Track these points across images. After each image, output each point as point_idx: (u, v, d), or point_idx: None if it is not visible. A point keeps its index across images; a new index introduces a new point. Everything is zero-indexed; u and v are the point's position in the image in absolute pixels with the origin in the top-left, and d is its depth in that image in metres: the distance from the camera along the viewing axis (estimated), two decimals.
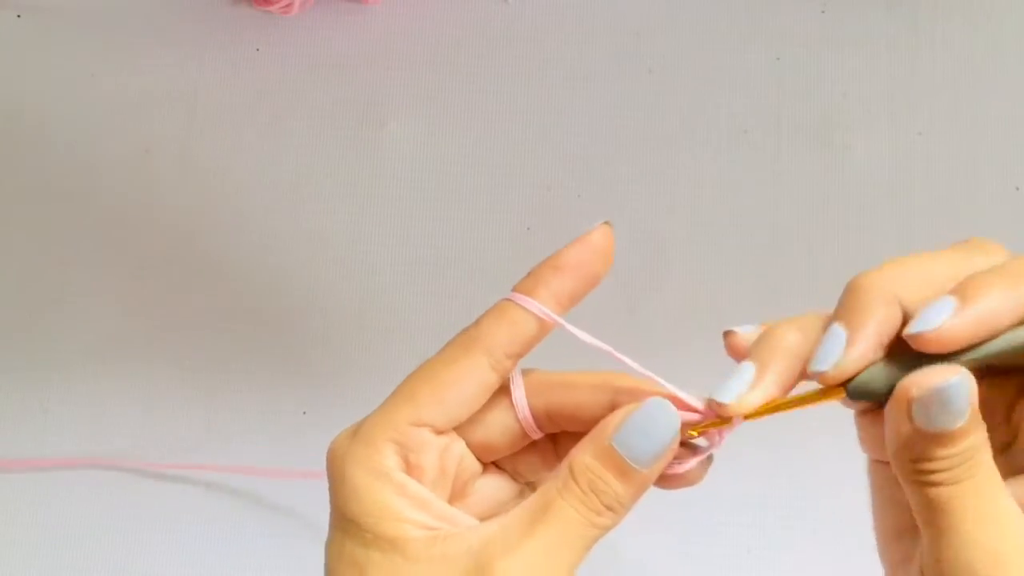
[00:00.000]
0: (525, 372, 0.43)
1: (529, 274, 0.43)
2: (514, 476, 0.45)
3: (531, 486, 0.45)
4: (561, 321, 0.42)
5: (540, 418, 0.44)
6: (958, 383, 0.37)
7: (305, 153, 0.72)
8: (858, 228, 0.72)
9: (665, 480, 0.42)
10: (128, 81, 0.72)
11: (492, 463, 0.45)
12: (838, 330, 0.40)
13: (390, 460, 0.41)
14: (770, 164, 0.72)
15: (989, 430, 0.39)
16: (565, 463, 0.41)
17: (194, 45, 0.73)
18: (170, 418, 0.69)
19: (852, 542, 0.46)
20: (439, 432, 0.42)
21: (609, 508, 0.40)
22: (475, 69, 0.73)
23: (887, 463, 0.42)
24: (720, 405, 0.40)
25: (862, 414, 0.43)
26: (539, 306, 0.42)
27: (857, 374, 0.39)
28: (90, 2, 0.73)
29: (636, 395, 0.42)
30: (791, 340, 0.41)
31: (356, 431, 0.42)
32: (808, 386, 0.41)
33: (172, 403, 0.70)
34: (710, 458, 0.43)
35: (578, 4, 0.73)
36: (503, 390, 0.43)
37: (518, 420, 0.44)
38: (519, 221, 0.71)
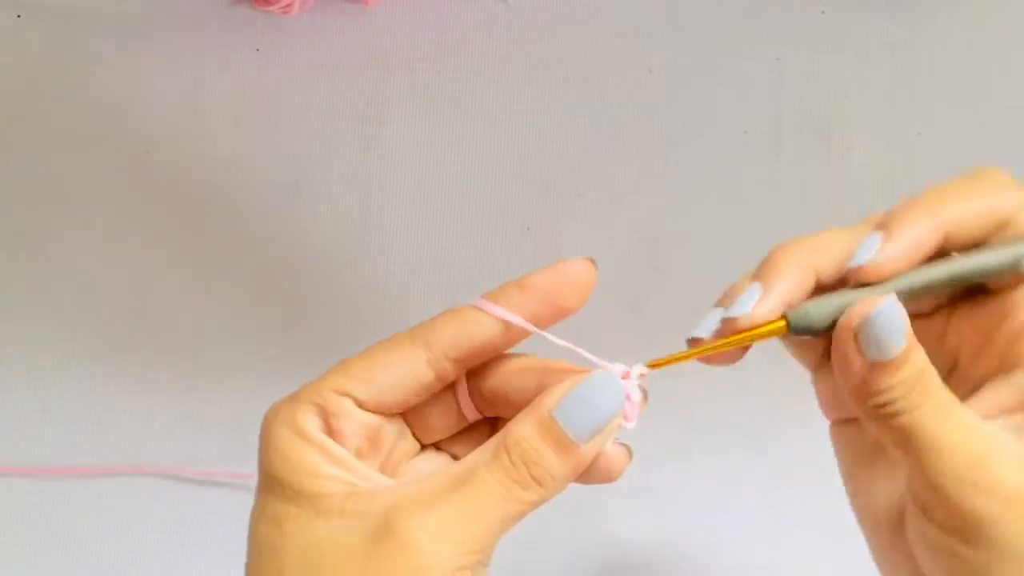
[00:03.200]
0: None
1: (497, 288, 0.43)
2: (453, 457, 0.45)
3: None
4: (514, 318, 0.41)
5: (477, 399, 0.43)
6: (889, 306, 0.39)
7: (305, 152, 0.72)
8: None
9: (585, 473, 0.41)
10: (128, 81, 0.72)
11: (432, 444, 0.45)
12: (754, 286, 0.43)
13: (311, 420, 0.41)
14: (770, 164, 0.72)
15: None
16: (500, 434, 0.40)
17: (194, 45, 0.73)
18: (168, 419, 0.70)
19: (855, 542, 0.46)
20: (364, 407, 0.42)
21: (538, 481, 0.39)
22: (475, 69, 0.73)
23: (847, 421, 0.45)
24: (734, 320, 0.42)
25: (817, 375, 0.45)
26: (494, 307, 0.42)
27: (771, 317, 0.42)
28: (90, 2, 0.73)
29: (568, 375, 0.41)
30: (800, 259, 0.43)
31: (288, 397, 0.42)
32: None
33: (171, 403, 0.70)
34: (629, 451, 0.42)
35: (578, 4, 0.73)
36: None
37: (457, 402, 0.43)
38: (519, 221, 0.71)
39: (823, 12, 0.73)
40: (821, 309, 0.41)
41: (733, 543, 0.66)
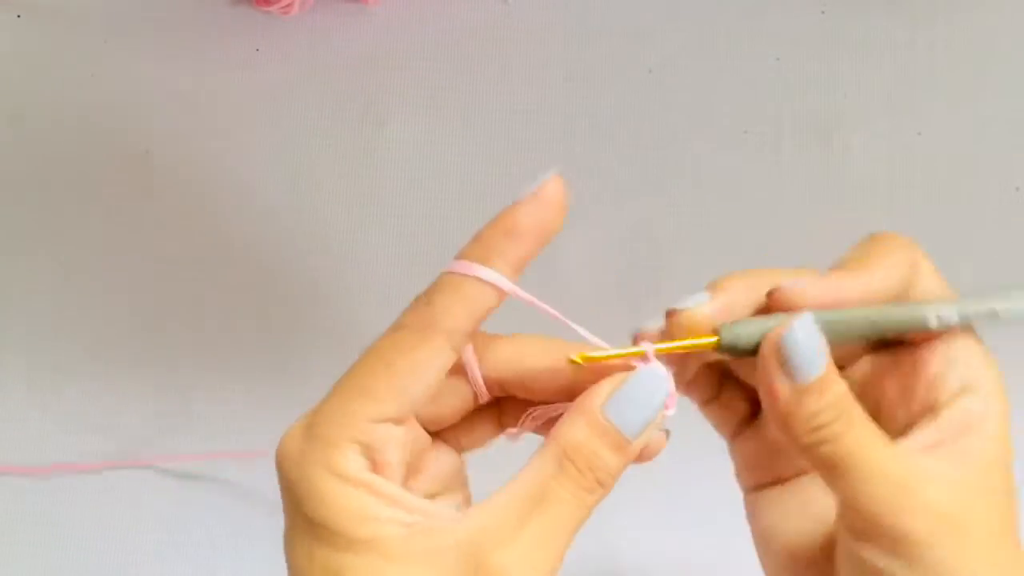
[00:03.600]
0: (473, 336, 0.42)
1: (477, 239, 0.41)
2: (456, 447, 0.44)
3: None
4: (519, 291, 0.41)
5: (489, 382, 0.43)
6: (803, 325, 0.40)
7: (305, 153, 0.72)
8: (858, 228, 0.71)
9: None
10: (128, 81, 0.72)
11: (436, 435, 0.44)
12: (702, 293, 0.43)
13: (355, 462, 0.38)
14: (770, 164, 0.72)
15: None
16: (552, 441, 0.39)
17: (194, 45, 0.73)
18: (168, 419, 0.70)
19: None
20: (400, 423, 0.40)
21: (601, 484, 0.40)
22: (475, 69, 0.73)
23: (764, 485, 0.45)
24: (675, 311, 0.42)
25: (735, 438, 0.46)
26: (496, 275, 0.40)
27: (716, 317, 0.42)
28: (90, 2, 0.73)
29: (595, 366, 0.41)
30: (749, 279, 0.44)
31: (309, 428, 0.39)
32: None
33: (170, 404, 0.70)
34: (667, 432, 0.42)
35: (578, 4, 0.73)
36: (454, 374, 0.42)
37: (470, 387, 0.43)
38: None
39: (823, 12, 0.73)
40: (749, 328, 0.42)
41: (734, 546, 0.66)
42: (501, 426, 0.45)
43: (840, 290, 0.42)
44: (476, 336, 0.42)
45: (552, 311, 0.42)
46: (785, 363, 0.40)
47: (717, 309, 0.42)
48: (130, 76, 0.72)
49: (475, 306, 0.40)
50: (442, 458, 0.44)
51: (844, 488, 0.41)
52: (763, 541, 0.46)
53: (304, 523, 0.38)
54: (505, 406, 0.44)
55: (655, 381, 0.41)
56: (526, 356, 0.43)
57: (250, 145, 0.72)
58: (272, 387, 0.70)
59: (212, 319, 0.70)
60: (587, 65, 0.73)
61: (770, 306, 0.43)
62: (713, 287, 0.43)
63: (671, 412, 0.42)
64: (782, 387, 0.40)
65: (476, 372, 0.42)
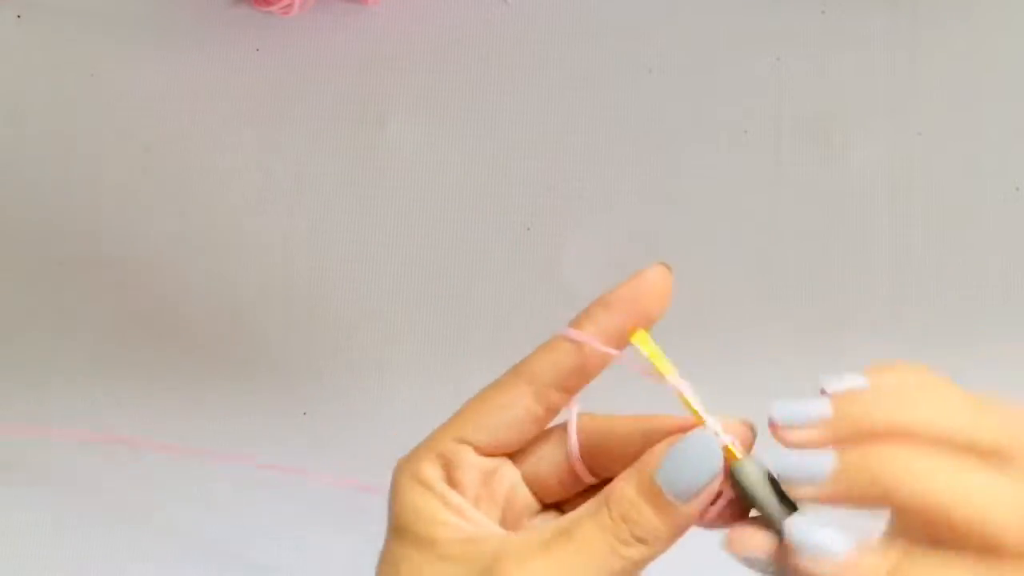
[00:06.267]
0: (583, 414, 0.44)
1: (581, 311, 0.44)
2: None
3: None
4: (605, 349, 0.42)
5: (589, 459, 0.44)
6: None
7: (305, 153, 0.72)
8: (858, 228, 0.72)
9: (704, 519, 0.41)
10: (128, 81, 0.72)
11: (554, 506, 0.46)
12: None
13: (433, 471, 0.43)
14: (770, 164, 0.72)
15: None
16: (603, 492, 0.41)
17: (194, 45, 0.73)
18: (168, 417, 0.70)
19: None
20: (482, 452, 0.44)
21: (639, 540, 0.40)
22: (475, 69, 0.73)
23: None
24: (775, 425, 0.40)
25: None
26: (582, 335, 0.43)
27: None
28: (90, 2, 0.73)
29: (676, 433, 0.41)
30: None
31: (414, 448, 0.44)
32: None
33: (170, 403, 0.70)
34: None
35: (578, 4, 0.73)
36: (562, 430, 0.44)
37: (569, 458, 0.44)
38: (519, 221, 0.71)
39: (823, 12, 0.73)
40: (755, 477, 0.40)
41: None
42: None
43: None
44: (588, 415, 0.45)
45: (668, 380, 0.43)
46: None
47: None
48: (130, 76, 0.72)
49: (559, 362, 0.43)
50: (544, 520, 0.45)
51: None
52: None
53: (391, 523, 0.43)
54: None
55: (702, 450, 0.40)
56: (616, 429, 0.44)
57: (250, 145, 0.72)
58: (271, 388, 0.70)
59: (211, 318, 0.70)
60: (587, 65, 0.73)
61: None
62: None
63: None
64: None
65: (573, 441, 0.44)
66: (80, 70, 0.72)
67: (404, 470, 0.44)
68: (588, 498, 0.44)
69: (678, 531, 0.40)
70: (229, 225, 0.71)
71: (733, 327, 0.69)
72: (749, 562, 0.40)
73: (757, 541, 0.39)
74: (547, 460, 0.45)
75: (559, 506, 0.46)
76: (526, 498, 0.45)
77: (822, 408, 0.39)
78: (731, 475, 0.41)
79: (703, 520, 0.41)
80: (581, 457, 0.45)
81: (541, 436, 0.45)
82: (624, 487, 0.40)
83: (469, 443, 0.43)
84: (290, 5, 0.71)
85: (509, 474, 0.45)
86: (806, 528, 0.38)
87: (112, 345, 0.70)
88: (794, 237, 0.71)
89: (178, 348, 0.70)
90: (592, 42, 0.73)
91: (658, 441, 0.42)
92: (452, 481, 0.43)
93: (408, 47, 0.73)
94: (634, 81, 0.73)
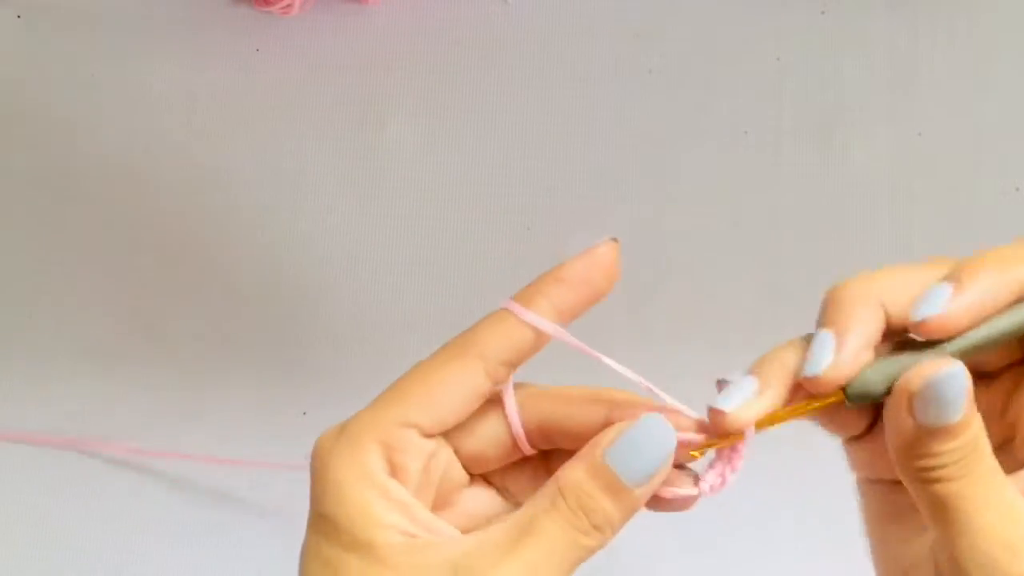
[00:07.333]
0: (518, 386, 0.42)
1: (530, 284, 0.42)
2: (502, 492, 0.44)
3: (520, 505, 0.43)
4: (559, 331, 0.41)
5: (532, 433, 0.43)
6: (953, 374, 0.38)
7: (305, 153, 0.72)
8: (858, 228, 0.72)
9: (655, 502, 0.41)
10: (128, 81, 0.72)
11: (481, 477, 0.44)
12: (826, 335, 0.40)
13: (375, 462, 0.40)
14: (770, 164, 0.72)
15: (986, 429, 0.39)
16: (553, 479, 0.40)
17: (194, 45, 0.73)
18: (168, 418, 0.70)
19: (862, 544, 0.46)
20: (426, 435, 0.41)
21: (597, 528, 0.39)
22: (475, 69, 0.73)
23: (878, 482, 0.43)
24: (720, 413, 0.40)
25: (850, 441, 0.43)
26: (536, 317, 0.41)
27: (851, 377, 0.39)
28: (90, 2, 0.73)
29: (633, 410, 0.40)
30: (790, 356, 0.41)
31: (343, 429, 0.41)
32: None
33: (170, 403, 0.70)
34: (696, 480, 0.41)
35: (579, 4, 0.73)
36: (496, 401, 0.42)
37: (510, 433, 0.43)
38: (519, 221, 0.71)
39: (823, 12, 0.73)
40: (878, 376, 0.39)
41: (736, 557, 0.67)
42: (549, 478, 0.44)
43: (990, 305, 0.39)
44: (523, 387, 0.43)
45: (601, 356, 0.41)
46: (923, 409, 0.38)
47: (854, 355, 0.40)
48: (130, 76, 0.72)
49: (512, 339, 0.41)
50: (479, 498, 0.44)
51: (944, 532, 0.39)
52: (871, 530, 0.44)
53: (317, 518, 0.40)
54: (553, 457, 0.44)
55: (660, 430, 0.39)
56: (568, 404, 0.42)
57: (250, 145, 0.72)
58: (271, 386, 0.70)
59: (211, 319, 0.70)
60: (587, 65, 0.73)
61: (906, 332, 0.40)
62: (832, 320, 0.40)
63: (729, 474, 0.41)
64: (911, 424, 0.38)
65: (515, 415, 0.42)
66: (80, 70, 0.72)
67: (339, 458, 0.40)
68: (521, 468, 0.43)
69: (629, 514, 0.40)
70: (229, 225, 0.71)
71: (733, 327, 0.69)
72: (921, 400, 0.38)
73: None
74: (485, 434, 0.42)
75: (485, 476, 0.44)
76: (457, 473, 0.43)
77: (944, 292, 0.39)
78: (853, 395, 0.39)
79: (657, 503, 0.41)
80: (523, 426, 0.42)
81: (475, 414, 0.42)
82: (574, 472, 0.39)
83: (415, 426, 0.40)
84: (290, 5, 0.71)
85: (444, 454, 0.42)
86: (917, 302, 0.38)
87: (112, 345, 0.70)
88: (794, 237, 0.71)
89: (178, 348, 0.70)
90: (592, 42, 0.73)
91: (610, 413, 0.41)
92: (394, 468, 0.40)
93: (408, 47, 0.73)
94: (634, 81, 0.73)
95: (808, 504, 0.68)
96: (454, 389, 0.41)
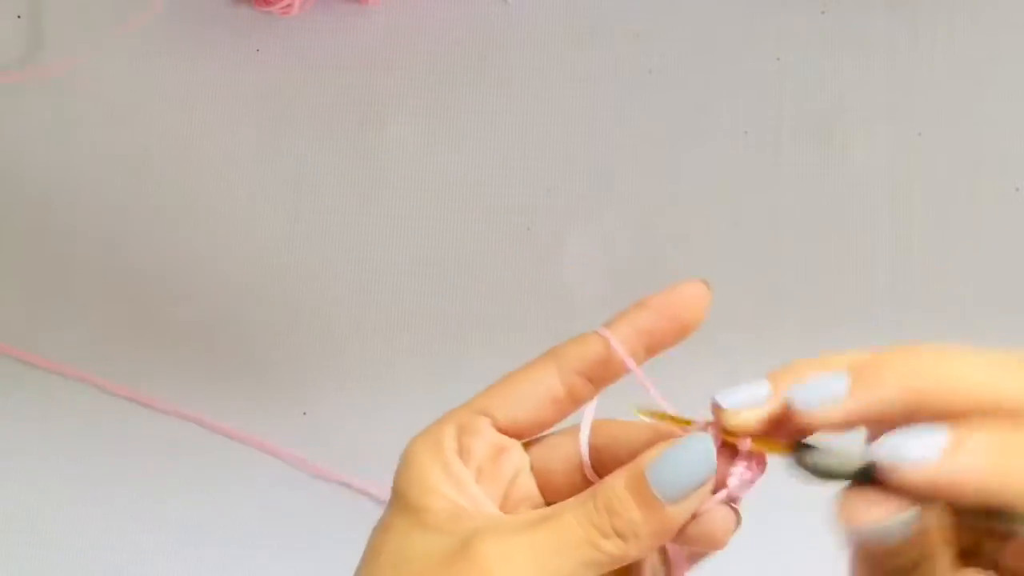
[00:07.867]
0: (597, 419, 0.44)
1: (619, 312, 0.44)
2: None
3: None
4: (627, 358, 0.43)
5: (597, 461, 0.44)
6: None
7: (305, 153, 0.72)
8: (858, 228, 0.72)
9: (684, 537, 0.40)
10: (128, 81, 0.72)
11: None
12: (841, 376, 0.38)
13: (447, 440, 0.43)
14: (770, 164, 0.72)
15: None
16: (595, 484, 0.41)
17: (194, 45, 0.73)
18: (165, 418, 0.70)
19: None
20: (499, 427, 0.43)
21: (619, 534, 0.39)
22: (475, 70, 0.73)
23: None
24: (717, 407, 0.40)
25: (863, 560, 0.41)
26: (610, 334, 0.43)
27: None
28: (90, 2, 0.73)
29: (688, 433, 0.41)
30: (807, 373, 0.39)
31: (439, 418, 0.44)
32: None
33: (170, 402, 0.70)
34: (738, 518, 0.41)
35: (579, 4, 0.73)
36: (576, 428, 0.44)
37: (579, 454, 0.44)
38: (519, 221, 0.71)
39: (823, 12, 0.73)
40: (836, 456, 0.39)
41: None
42: None
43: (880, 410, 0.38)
44: (604, 420, 0.44)
45: (650, 385, 0.43)
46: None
47: (774, 412, 0.39)
48: (130, 76, 0.72)
49: (584, 347, 0.43)
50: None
51: None
52: None
53: (391, 490, 0.43)
54: None
55: (701, 451, 0.40)
56: (623, 433, 0.44)
57: (250, 145, 0.72)
58: (271, 388, 0.70)
59: (211, 318, 0.70)
60: (587, 65, 0.73)
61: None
62: (776, 379, 0.40)
63: (737, 491, 0.41)
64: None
65: (585, 434, 0.44)
66: (80, 70, 0.72)
67: (421, 433, 0.43)
68: None
69: (659, 533, 0.40)
70: (229, 225, 0.71)
71: (733, 327, 0.69)
72: (874, 531, 0.37)
73: (876, 501, 0.37)
74: (558, 453, 0.44)
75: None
76: (530, 488, 0.44)
77: (838, 385, 0.38)
78: (800, 463, 0.39)
79: (686, 537, 0.40)
80: (590, 456, 0.44)
81: (558, 432, 0.45)
82: (613, 479, 0.40)
83: (488, 415, 0.43)
84: (290, 5, 0.71)
85: (518, 457, 0.44)
86: (896, 440, 0.36)
87: (111, 345, 0.70)
88: (794, 237, 0.71)
89: (177, 348, 0.70)
90: (592, 42, 0.73)
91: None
92: (462, 448, 0.43)
93: (408, 47, 0.73)
94: (634, 81, 0.73)
95: (808, 504, 0.68)
96: (527, 386, 0.43)
